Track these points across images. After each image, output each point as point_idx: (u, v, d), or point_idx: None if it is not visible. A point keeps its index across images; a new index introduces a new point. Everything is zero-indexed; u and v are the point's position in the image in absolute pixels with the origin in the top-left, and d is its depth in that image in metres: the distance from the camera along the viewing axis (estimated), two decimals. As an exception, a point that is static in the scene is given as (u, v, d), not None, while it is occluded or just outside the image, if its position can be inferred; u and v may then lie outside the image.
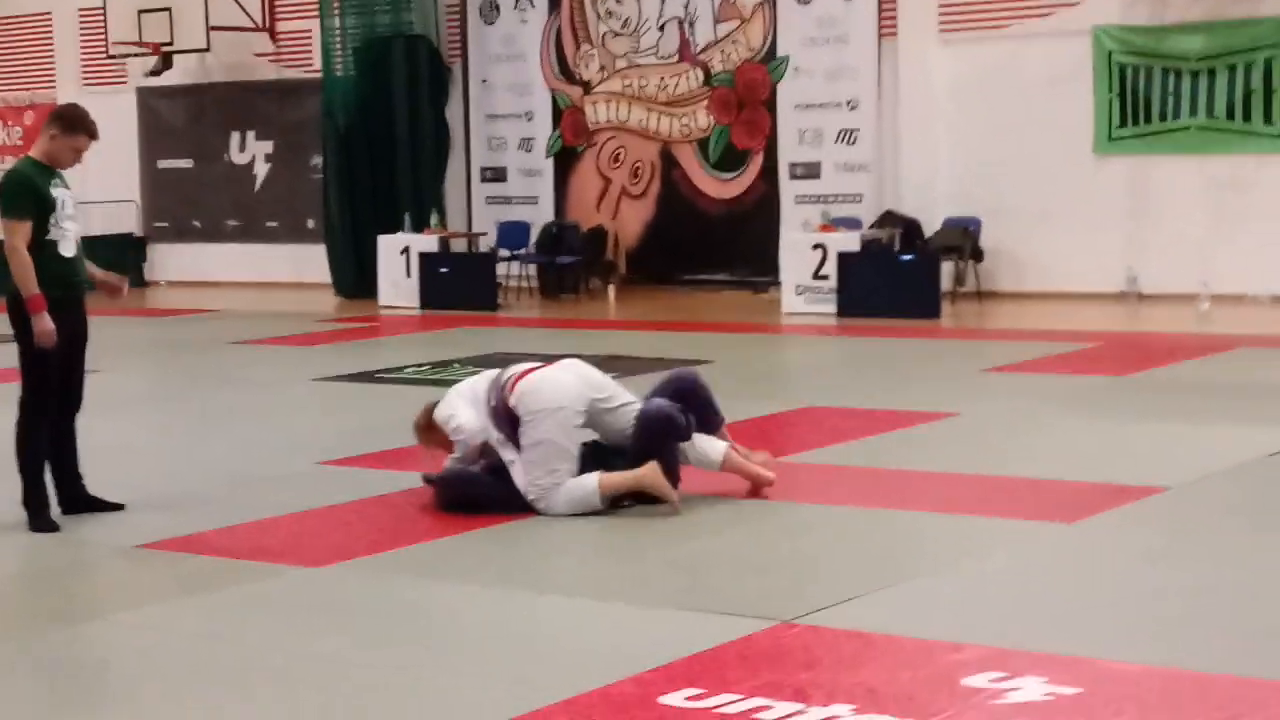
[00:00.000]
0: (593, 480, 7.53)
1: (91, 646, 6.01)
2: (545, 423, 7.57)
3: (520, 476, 7.59)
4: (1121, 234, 17.43)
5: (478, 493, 7.70)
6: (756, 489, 7.94)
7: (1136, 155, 17.41)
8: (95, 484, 8.09)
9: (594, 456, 7.72)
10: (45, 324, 7.62)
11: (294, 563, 6.98)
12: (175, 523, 7.79)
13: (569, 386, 7.66)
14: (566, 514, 7.51)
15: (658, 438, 7.65)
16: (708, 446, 7.84)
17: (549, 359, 8.11)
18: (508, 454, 7.65)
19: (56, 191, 7.77)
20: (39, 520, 7.73)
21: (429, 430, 8.04)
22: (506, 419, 7.66)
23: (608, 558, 7.09)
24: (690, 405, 7.84)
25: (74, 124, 7.84)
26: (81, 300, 7.91)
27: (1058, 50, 17.58)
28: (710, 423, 8.01)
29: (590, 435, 7.83)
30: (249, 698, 5.26)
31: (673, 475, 7.65)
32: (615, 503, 7.58)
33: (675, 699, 5.01)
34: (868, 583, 6.37)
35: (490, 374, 7.94)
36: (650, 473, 7.47)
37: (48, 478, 7.87)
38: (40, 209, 7.69)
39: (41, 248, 7.67)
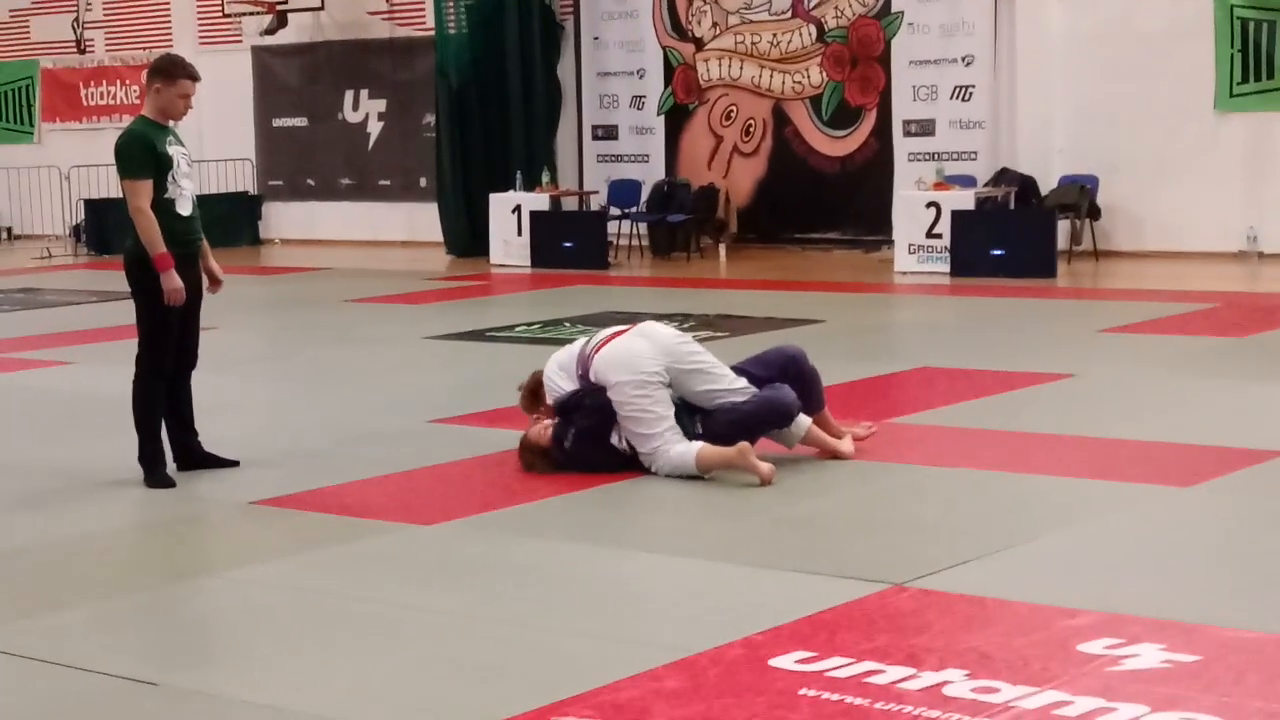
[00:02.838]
0: (692, 452, 7.53)
1: (205, 601, 6.07)
2: (627, 391, 7.61)
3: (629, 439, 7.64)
4: (1241, 193, 17.12)
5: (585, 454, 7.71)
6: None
7: (1258, 112, 17.07)
8: (210, 441, 8.17)
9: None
10: (174, 281, 7.70)
11: (404, 520, 7.02)
12: (288, 479, 7.86)
13: (644, 354, 7.68)
14: (670, 475, 7.54)
15: (765, 423, 7.69)
16: (794, 424, 7.82)
17: (632, 320, 8.11)
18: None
19: (172, 149, 7.83)
20: (155, 476, 7.82)
21: (533, 398, 8.05)
22: (594, 388, 7.73)
23: (718, 518, 7.06)
24: (798, 386, 7.83)
25: (172, 71, 7.89)
26: (197, 258, 7.98)
27: (1178, 4, 17.26)
28: (813, 404, 7.96)
29: None
30: (359, 653, 5.28)
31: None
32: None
33: (785, 661, 4.98)
34: (981, 546, 6.30)
35: (579, 343, 7.99)
36: (743, 454, 7.45)
37: (164, 435, 7.96)
38: (158, 167, 7.76)
39: (159, 206, 7.74)
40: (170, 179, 7.79)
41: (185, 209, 7.88)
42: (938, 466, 7.80)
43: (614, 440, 7.69)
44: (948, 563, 6.05)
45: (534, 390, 8.07)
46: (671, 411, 7.65)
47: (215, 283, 8.16)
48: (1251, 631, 5.16)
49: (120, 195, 7.90)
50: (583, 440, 7.68)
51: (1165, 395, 9.61)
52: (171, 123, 7.95)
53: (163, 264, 7.68)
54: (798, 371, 7.97)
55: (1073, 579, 5.88)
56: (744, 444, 7.48)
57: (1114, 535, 6.51)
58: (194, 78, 7.93)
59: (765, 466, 7.40)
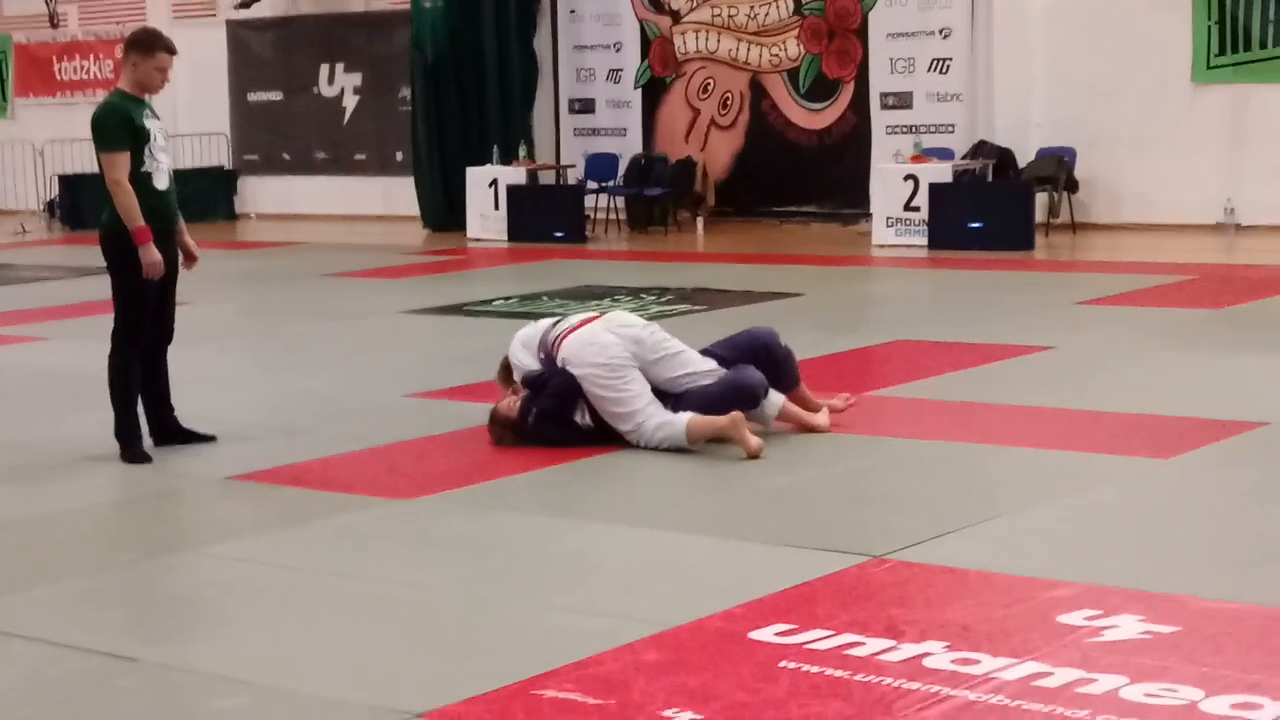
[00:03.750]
0: (682, 422, 7.53)
1: (183, 577, 6.05)
2: (599, 377, 7.64)
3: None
4: (1219, 164, 17.14)
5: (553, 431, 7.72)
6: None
7: (1235, 84, 17.08)
8: (186, 416, 8.14)
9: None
10: (152, 255, 7.67)
11: (384, 495, 7.00)
12: (265, 454, 7.83)
13: (611, 343, 7.71)
14: (660, 447, 7.54)
15: (733, 406, 7.66)
16: (766, 404, 7.82)
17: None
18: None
19: (148, 123, 7.79)
20: (131, 451, 7.79)
21: (507, 374, 8.07)
22: (557, 371, 7.77)
23: (698, 491, 7.05)
24: (770, 370, 7.83)
25: (150, 44, 7.84)
26: (173, 233, 7.94)
27: (1156, -24, 17.27)
28: (788, 383, 7.96)
29: None
30: (338, 628, 5.27)
31: None
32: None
33: (765, 634, 4.98)
34: (960, 518, 6.30)
35: (544, 324, 8.02)
36: (735, 424, 7.45)
37: (140, 410, 7.93)
38: (135, 140, 7.71)
39: (135, 181, 7.69)
40: (147, 152, 7.75)
41: (162, 183, 7.84)
42: (917, 439, 7.80)
43: (576, 418, 7.72)
44: (927, 535, 6.05)
45: (508, 366, 8.08)
46: (648, 389, 7.66)
47: (190, 259, 8.12)
48: (1230, 602, 5.17)
49: (95, 170, 7.85)
50: (545, 419, 7.70)
51: (1144, 367, 9.62)
52: (148, 96, 7.90)
53: (141, 237, 7.64)
54: (769, 356, 7.97)
55: (1052, 551, 5.89)
56: (737, 414, 7.47)
57: (1094, 507, 6.52)
58: (171, 51, 7.88)
59: (754, 441, 7.40)
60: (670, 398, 7.76)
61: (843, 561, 5.74)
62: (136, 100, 7.83)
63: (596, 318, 7.96)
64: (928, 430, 7.97)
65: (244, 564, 6.09)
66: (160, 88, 7.90)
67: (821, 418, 7.97)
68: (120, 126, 7.70)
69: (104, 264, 7.87)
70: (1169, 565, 5.68)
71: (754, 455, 7.35)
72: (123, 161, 7.66)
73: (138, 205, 7.64)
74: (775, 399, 7.83)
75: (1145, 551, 5.87)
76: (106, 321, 7.98)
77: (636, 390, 7.63)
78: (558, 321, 8.01)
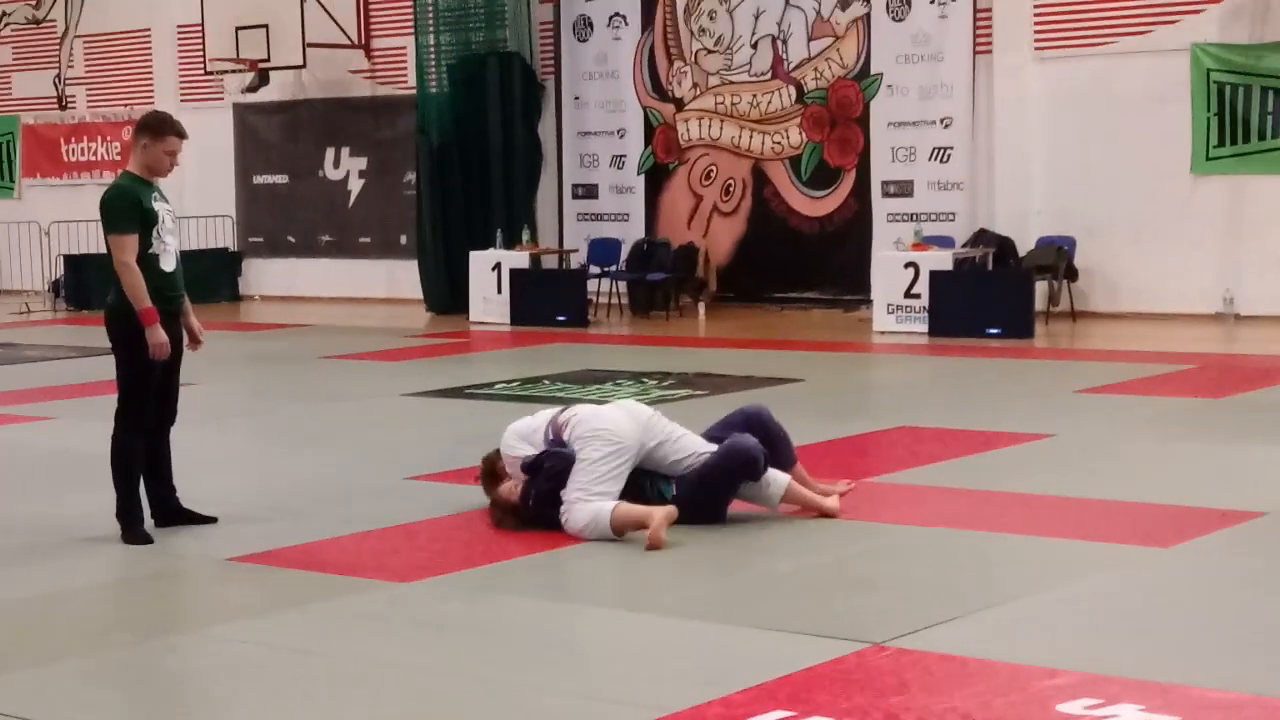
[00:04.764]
0: (608, 508, 7.50)
1: (182, 659, 6.04)
2: (594, 444, 7.64)
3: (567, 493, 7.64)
4: (1218, 255, 17.23)
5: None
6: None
7: (1234, 175, 17.19)
8: (188, 497, 8.15)
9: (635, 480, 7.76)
10: (159, 336, 7.71)
11: (383, 578, 7.00)
12: (266, 536, 7.84)
13: (622, 422, 7.74)
14: (582, 535, 7.48)
15: (732, 474, 7.71)
16: (770, 483, 7.82)
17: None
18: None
19: (158, 205, 7.86)
20: (133, 532, 7.80)
21: (491, 479, 8.03)
22: (556, 452, 7.76)
23: (698, 576, 7.05)
24: (765, 444, 7.85)
25: (161, 127, 7.92)
26: (179, 314, 7.99)
27: (1155, 68, 17.41)
28: (784, 460, 7.98)
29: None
30: (337, 711, 5.27)
31: (720, 512, 7.75)
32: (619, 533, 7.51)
33: (765, 721, 4.98)
34: (961, 606, 6.30)
35: (544, 413, 8.02)
36: (661, 517, 7.36)
37: (142, 490, 7.94)
38: (144, 223, 7.78)
39: (143, 262, 7.75)
40: (155, 235, 7.82)
41: (169, 265, 7.90)
42: (917, 526, 7.81)
43: None
44: (927, 622, 6.05)
45: (490, 472, 8.06)
46: (618, 489, 7.61)
47: (195, 340, 8.16)
48: (1230, 692, 5.17)
49: (100, 251, 7.91)
50: (543, 501, 7.71)
51: (1144, 456, 9.64)
52: (156, 179, 7.98)
53: (148, 318, 7.69)
54: (762, 430, 7.98)
55: (1052, 639, 5.89)
56: (671, 509, 7.43)
57: (1093, 595, 6.52)
58: (181, 135, 7.96)
59: (661, 536, 7.28)
60: (671, 480, 7.78)
61: (842, 648, 5.74)
62: (145, 183, 7.90)
63: (604, 405, 8.02)
64: (928, 517, 7.98)
65: (244, 645, 6.08)
66: (169, 171, 7.97)
67: (832, 501, 7.97)
68: (129, 209, 7.77)
69: (109, 344, 7.91)
70: (1169, 654, 5.68)
71: (652, 546, 7.25)
72: (131, 244, 7.73)
73: (145, 287, 7.69)
74: (780, 479, 7.83)
75: (1145, 640, 5.87)
76: (110, 401, 8.01)
77: (604, 471, 7.57)
78: (561, 409, 8.03)
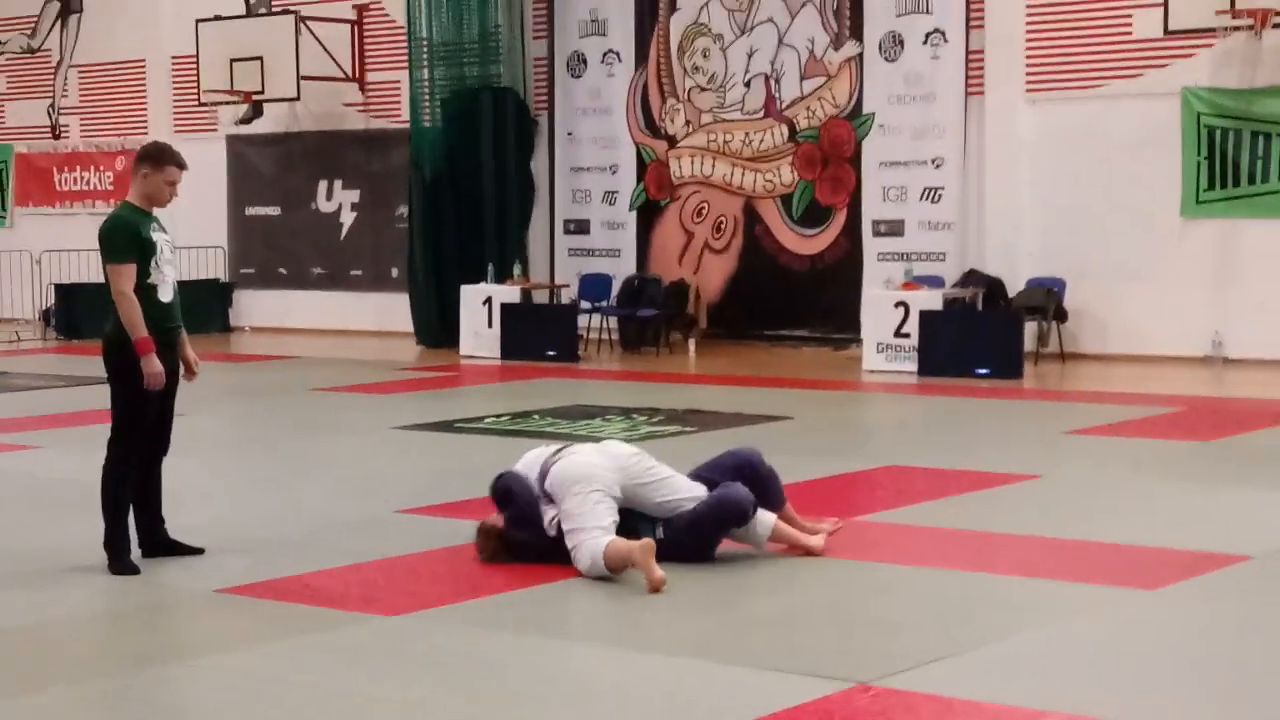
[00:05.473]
0: (602, 545, 7.49)
1: (169, 690, 6.04)
2: (569, 500, 7.63)
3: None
4: (1207, 298, 17.27)
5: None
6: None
7: (1224, 219, 17.24)
8: (175, 528, 8.15)
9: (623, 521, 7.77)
10: (154, 365, 7.72)
11: (371, 611, 7.00)
12: (254, 568, 7.83)
13: (599, 468, 7.72)
14: (590, 575, 7.47)
15: (722, 525, 7.72)
16: (757, 523, 7.84)
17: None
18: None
19: (155, 235, 7.88)
20: (120, 563, 7.79)
21: (488, 543, 7.96)
22: (550, 501, 7.81)
23: (685, 613, 7.05)
24: (754, 486, 7.86)
25: (161, 157, 7.95)
26: (175, 344, 8.00)
27: (1146, 111, 17.47)
28: (773, 501, 7.99)
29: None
30: (324, 746, 5.26)
31: (708, 554, 7.74)
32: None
33: (750, 759, 4.97)
34: (948, 646, 6.31)
35: (541, 450, 8.02)
36: (644, 551, 7.35)
37: (131, 520, 7.94)
38: (142, 252, 7.80)
39: (140, 292, 7.77)
40: (153, 265, 7.83)
41: (166, 295, 7.91)
42: (905, 565, 7.82)
43: (545, 524, 7.73)
44: (914, 662, 6.05)
45: (486, 531, 7.98)
46: (609, 522, 7.60)
47: (190, 371, 8.17)
48: (1215, 735, 5.18)
49: (92, 280, 7.94)
50: (514, 524, 7.75)
51: (1132, 498, 9.66)
52: (155, 209, 8.00)
53: (144, 348, 7.70)
54: (753, 475, 7.98)
55: (1040, 680, 5.89)
56: (648, 541, 7.42)
57: (1081, 637, 6.52)
58: (182, 165, 7.99)
59: (658, 574, 7.27)
60: (659, 522, 7.78)
61: (828, 687, 5.74)
62: (144, 213, 7.93)
63: (588, 446, 8.01)
64: (915, 557, 7.98)
65: (230, 677, 6.08)
66: (168, 201, 8.00)
67: (818, 540, 7.98)
68: (128, 239, 7.79)
69: (102, 373, 7.91)
70: (1157, 697, 5.69)
71: (655, 589, 7.22)
72: (129, 273, 7.74)
73: (142, 316, 7.71)
74: (767, 519, 7.84)
75: (1133, 682, 5.87)
76: (100, 430, 8.01)
77: (595, 513, 7.59)
78: (554, 449, 8.02)
